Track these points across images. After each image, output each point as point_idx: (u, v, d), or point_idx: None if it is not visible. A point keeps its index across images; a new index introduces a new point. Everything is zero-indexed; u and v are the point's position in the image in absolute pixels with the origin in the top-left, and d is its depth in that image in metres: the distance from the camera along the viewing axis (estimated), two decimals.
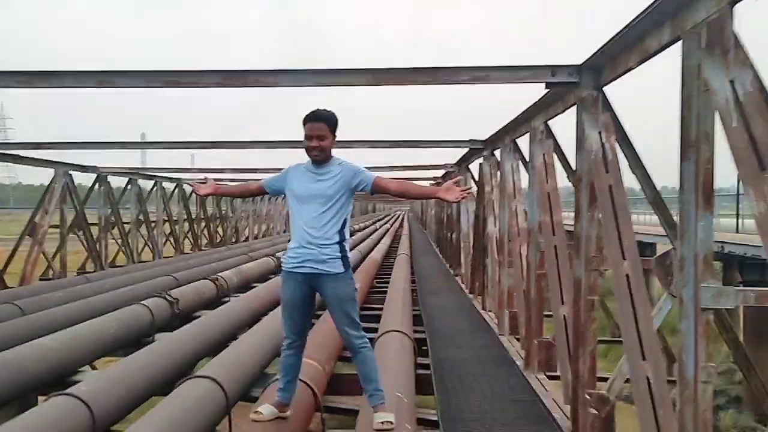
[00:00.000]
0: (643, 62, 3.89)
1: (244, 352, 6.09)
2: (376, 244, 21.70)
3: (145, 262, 17.60)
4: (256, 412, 4.17)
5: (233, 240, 25.22)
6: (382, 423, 3.94)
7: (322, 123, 4.03)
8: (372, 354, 4.15)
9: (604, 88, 4.73)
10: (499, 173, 10.10)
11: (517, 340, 8.22)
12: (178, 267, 14.23)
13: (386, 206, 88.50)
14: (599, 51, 4.30)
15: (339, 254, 4.01)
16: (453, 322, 9.27)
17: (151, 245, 18.68)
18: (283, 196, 4.27)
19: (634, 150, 4.76)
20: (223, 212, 25.19)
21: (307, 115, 4.06)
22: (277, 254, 16.65)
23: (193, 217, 22.30)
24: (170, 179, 20.03)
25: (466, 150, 12.20)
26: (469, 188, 4.18)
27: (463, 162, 13.53)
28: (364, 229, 32.94)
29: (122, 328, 7.70)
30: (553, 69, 4.73)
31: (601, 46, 4.23)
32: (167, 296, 9.15)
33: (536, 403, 5.64)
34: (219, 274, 12.19)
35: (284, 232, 29.11)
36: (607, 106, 4.75)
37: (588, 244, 4.90)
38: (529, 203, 6.89)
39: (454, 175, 15.27)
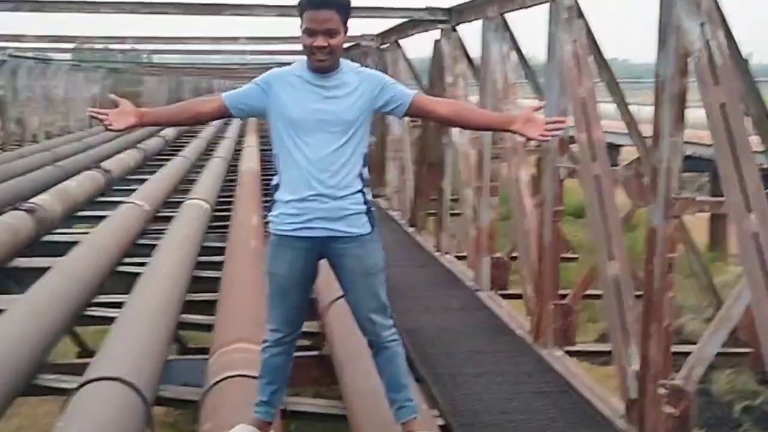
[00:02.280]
0: None
1: (150, 332, 5.93)
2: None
3: None
4: None
5: (17, 141, 23.93)
6: None
7: (331, 10, 3.78)
8: (402, 350, 4.13)
9: None
10: (467, 60, 10.11)
11: (503, 297, 8.50)
12: None
13: (226, 83, 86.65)
14: None
15: (363, 207, 3.89)
16: (405, 273, 9.37)
17: None
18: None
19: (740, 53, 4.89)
20: (1, 94, 23.70)
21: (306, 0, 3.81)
22: (103, 165, 16.03)
23: None
24: None
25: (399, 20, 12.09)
26: (564, 121, 4.11)
27: (392, 35, 13.37)
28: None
29: None
30: None
31: None
32: None
33: (571, 396, 5.88)
34: (33, 200, 11.57)
35: (92, 126, 27.94)
36: None
37: (669, 180, 5.04)
38: (547, 110, 6.94)
39: (374, 50, 15.10)
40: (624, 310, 5.62)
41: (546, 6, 7.00)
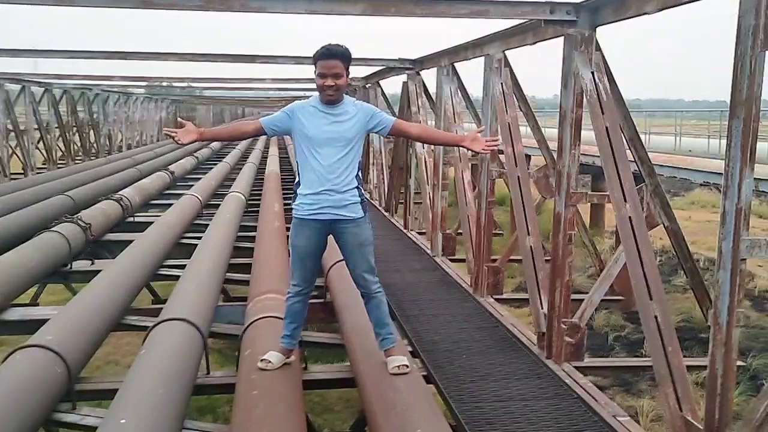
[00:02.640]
0: (665, 9, 3.91)
1: (205, 286, 5.85)
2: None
3: (16, 176, 16.16)
4: (263, 360, 4.03)
5: (107, 150, 23.61)
6: (398, 367, 3.95)
7: (337, 60, 3.79)
8: (385, 298, 4.12)
9: (598, 29, 4.74)
10: (426, 95, 10.05)
11: (451, 261, 8.48)
12: (67, 183, 13.16)
13: (255, 110, 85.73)
14: None
15: (358, 199, 3.91)
16: (382, 244, 9.29)
17: (23, 157, 17.09)
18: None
19: (619, 91, 4.87)
20: (95, 117, 23.33)
21: (320, 52, 3.80)
22: (170, 168, 15.85)
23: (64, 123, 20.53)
24: (39, 83, 18.20)
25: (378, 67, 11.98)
26: (497, 140, 4.10)
27: (375, 77, 13.28)
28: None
29: (43, 260, 7.10)
30: (552, 6, 4.66)
31: None
32: (80, 221, 8.48)
33: (500, 329, 5.87)
34: (120, 192, 11.42)
35: (159, 140, 27.62)
36: (598, 46, 4.79)
37: (569, 180, 5.03)
38: (484, 131, 6.90)
39: (361, 88, 15.00)
40: (537, 270, 5.63)
41: (481, 59, 7.00)
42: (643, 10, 4.08)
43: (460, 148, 4.21)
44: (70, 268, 7.72)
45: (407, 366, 3.99)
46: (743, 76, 3.15)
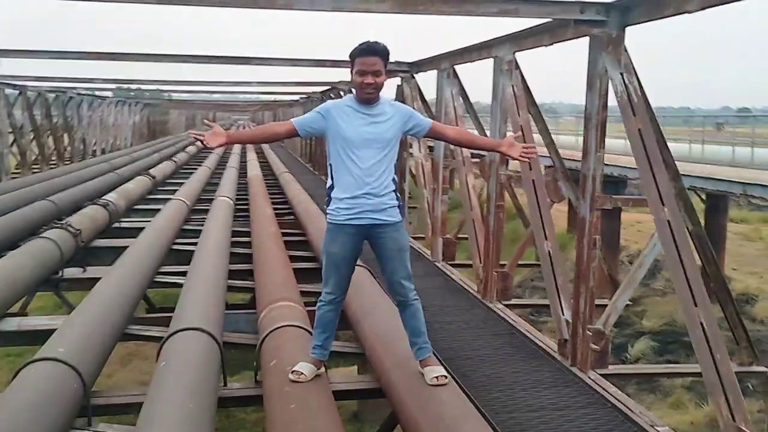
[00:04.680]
0: (707, 8, 3.80)
1: (213, 294, 5.60)
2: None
3: None
4: (295, 371, 3.82)
5: (81, 154, 22.98)
6: (437, 378, 3.77)
7: (377, 57, 3.62)
8: (421, 306, 3.93)
9: (626, 28, 4.64)
10: (421, 99, 9.90)
11: (452, 266, 8.32)
12: (47, 188, 12.70)
13: (226, 115, 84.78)
14: None
15: (396, 202, 3.75)
16: None
17: None
18: None
19: (645, 93, 4.76)
20: (69, 120, 22.67)
21: (360, 48, 3.61)
22: (151, 172, 15.45)
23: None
24: (13, 86, 17.64)
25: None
26: (534, 148, 3.93)
27: None
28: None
29: (35, 267, 6.77)
30: (582, 6, 4.54)
31: None
32: (70, 227, 8.15)
33: (517, 336, 5.74)
34: (105, 197, 11.05)
35: (132, 144, 27.06)
36: (625, 47, 4.68)
37: (594, 183, 4.91)
38: (492, 133, 6.78)
39: (348, 91, 14.79)
40: (557, 275, 5.50)
41: (485, 60, 6.89)
42: (684, 9, 3.97)
43: (498, 153, 4.02)
44: (62, 275, 7.40)
45: (446, 377, 3.81)
46: None
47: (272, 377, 4.04)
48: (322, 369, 3.97)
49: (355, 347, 5.20)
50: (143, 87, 31.13)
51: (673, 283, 4.00)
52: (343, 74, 13.85)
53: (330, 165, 3.77)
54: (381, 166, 3.66)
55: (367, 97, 3.65)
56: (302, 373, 3.80)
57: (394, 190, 3.74)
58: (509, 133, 6.79)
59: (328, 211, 3.77)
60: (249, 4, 4.40)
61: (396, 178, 3.79)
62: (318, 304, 3.93)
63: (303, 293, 6.09)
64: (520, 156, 3.84)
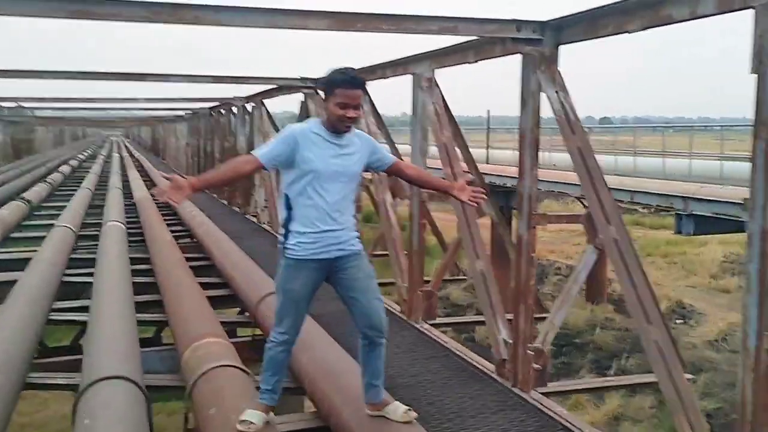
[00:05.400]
0: (649, 28, 3.83)
1: (125, 333, 5.08)
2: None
3: None
4: (243, 422, 3.45)
5: None
6: (406, 413, 3.55)
7: (359, 90, 3.36)
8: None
9: (560, 47, 4.63)
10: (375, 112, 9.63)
11: None
12: None
13: (97, 130, 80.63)
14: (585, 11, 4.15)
15: (356, 233, 3.54)
16: None
17: None
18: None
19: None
20: None
21: (342, 79, 3.31)
22: (25, 196, 14.22)
23: None
24: None
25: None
26: (483, 192, 3.80)
27: (259, 96, 12.64)
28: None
29: None
30: (518, 24, 4.48)
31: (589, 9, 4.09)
32: None
33: (452, 358, 5.60)
34: None
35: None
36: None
37: (531, 202, 4.87)
38: (413, 154, 6.65)
39: (240, 108, 14.29)
40: (491, 294, 5.42)
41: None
42: (624, 29, 3.99)
43: (449, 195, 3.88)
44: None
45: (414, 412, 3.60)
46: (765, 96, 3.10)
47: (212, 428, 3.64)
48: (271, 414, 3.64)
49: (288, 381, 4.87)
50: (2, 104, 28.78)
51: (626, 302, 3.99)
52: (239, 90, 13.36)
53: (286, 195, 3.46)
54: (347, 200, 3.47)
55: (345, 130, 3.41)
56: (252, 423, 3.45)
57: (354, 222, 3.53)
58: (432, 149, 6.77)
59: (286, 246, 3.44)
60: (174, 20, 3.99)
61: (354, 210, 3.59)
62: (268, 344, 3.59)
63: (222, 324, 5.69)
64: (469, 200, 3.73)
